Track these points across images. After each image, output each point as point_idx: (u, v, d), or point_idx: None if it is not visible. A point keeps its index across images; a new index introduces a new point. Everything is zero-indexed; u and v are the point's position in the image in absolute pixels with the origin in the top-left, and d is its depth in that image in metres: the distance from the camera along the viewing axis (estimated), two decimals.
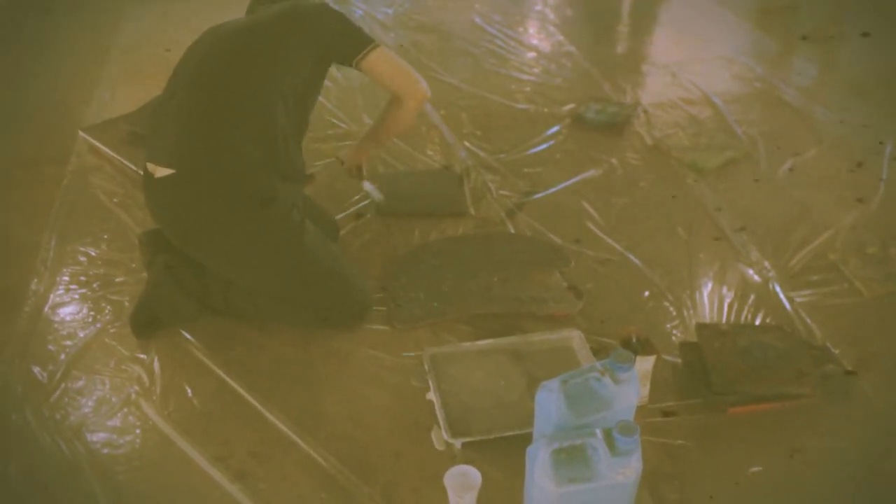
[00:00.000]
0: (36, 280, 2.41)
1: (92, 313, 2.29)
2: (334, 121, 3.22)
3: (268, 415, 1.95)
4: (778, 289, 2.34)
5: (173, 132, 2.10)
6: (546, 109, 3.37)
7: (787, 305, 2.28)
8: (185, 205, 2.09)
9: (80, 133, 3.12)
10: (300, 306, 2.18)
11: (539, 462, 1.44)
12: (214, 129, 2.08)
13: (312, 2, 2.27)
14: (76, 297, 2.35)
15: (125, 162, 2.92)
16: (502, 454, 1.79)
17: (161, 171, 2.07)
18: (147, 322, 2.19)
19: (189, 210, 2.10)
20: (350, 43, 2.21)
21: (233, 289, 2.19)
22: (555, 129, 3.22)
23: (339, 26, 2.21)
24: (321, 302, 2.18)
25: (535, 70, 3.75)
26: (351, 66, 2.21)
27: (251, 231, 2.09)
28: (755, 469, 1.81)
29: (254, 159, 2.08)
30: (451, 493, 1.67)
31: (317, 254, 2.16)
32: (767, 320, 2.23)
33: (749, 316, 2.26)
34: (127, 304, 2.30)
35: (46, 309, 2.31)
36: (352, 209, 2.70)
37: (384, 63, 2.24)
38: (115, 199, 2.77)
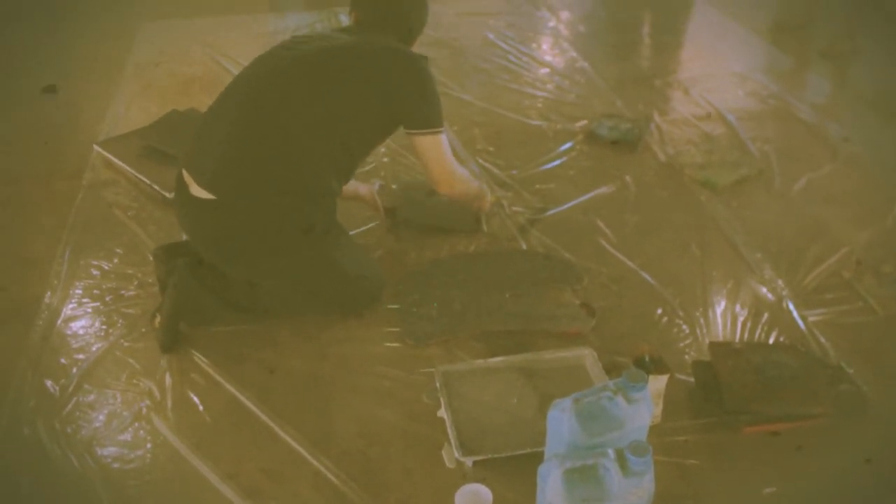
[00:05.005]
0: (49, 293, 2.42)
1: (104, 327, 2.29)
2: None
3: (279, 431, 1.95)
4: (792, 307, 2.33)
5: (219, 150, 2.11)
6: (559, 125, 3.38)
7: (801, 324, 2.27)
8: (224, 231, 2.14)
9: (95, 147, 3.14)
10: (324, 302, 2.30)
11: (551, 482, 1.44)
12: (262, 160, 2.09)
13: (407, 54, 2.23)
14: (89, 310, 2.36)
15: (139, 176, 2.93)
16: (514, 473, 1.78)
17: (199, 192, 2.09)
18: (175, 336, 2.20)
19: (229, 236, 2.14)
20: (417, 115, 2.23)
21: (256, 287, 2.24)
22: (568, 145, 3.22)
23: (417, 94, 2.21)
24: (345, 299, 2.31)
25: (548, 86, 3.76)
26: (404, 131, 2.26)
27: (291, 255, 2.17)
28: (769, 490, 1.79)
29: (296, 190, 2.12)
30: None
31: (345, 264, 2.25)
32: (781, 339, 2.22)
33: (762, 334, 2.24)
34: (139, 317, 2.31)
35: (59, 322, 2.31)
36: (360, 228, 2.70)
37: (433, 151, 2.27)
38: (128, 214, 2.78)
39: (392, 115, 2.23)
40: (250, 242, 2.14)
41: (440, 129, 2.26)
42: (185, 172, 2.15)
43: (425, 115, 2.24)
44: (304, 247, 2.17)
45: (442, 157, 2.30)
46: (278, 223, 2.12)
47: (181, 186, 2.16)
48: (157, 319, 2.21)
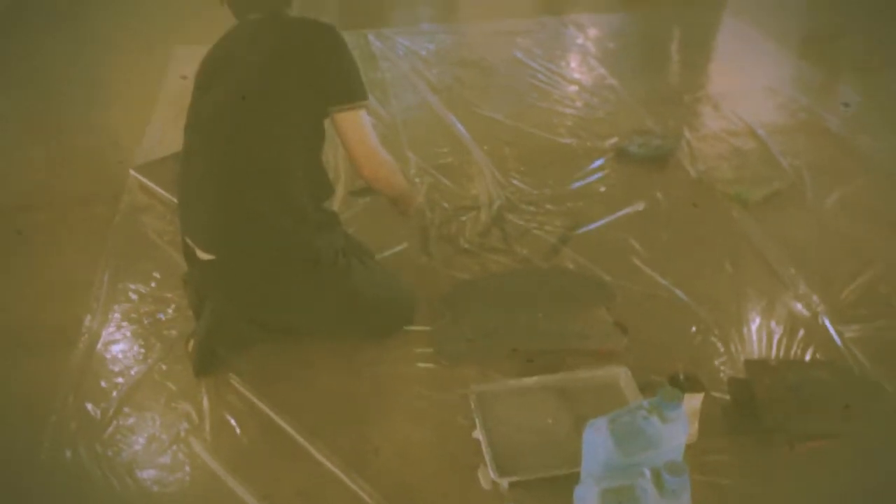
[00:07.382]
0: (89, 317, 2.46)
1: (142, 350, 2.32)
2: None
3: (315, 452, 1.97)
4: (828, 323, 2.31)
5: (204, 210, 2.12)
6: (589, 143, 3.38)
7: (838, 340, 2.25)
8: (239, 285, 2.16)
9: (132, 172, 3.19)
10: (355, 328, 2.31)
11: (588, 502, 1.44)
12: (246, 210, 2.06)
13: (323, 26, 2.10)
14: (127, 334, 2.39)
15: (175, 201, 2.97)
16: (550, 494, 1.78)
17: (203, 255, 2.13)
18: (208, 361, 2.22)
19: (245, 289, 2.16)
20: (341, 89, 2.11)
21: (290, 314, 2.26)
22: (598, 162, 3.22)
23: (342, 65, 2.11)
24: (374, 324, 2.31)
25: (578, 104, 3.76)
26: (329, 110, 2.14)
27: (305, 291, 2.17)
28: None
29: (289, 227, 2.09)
30: None
31: (368, 291, 2.24)
32: (817, 355, 2.20)
33: (798, 351, 2.22)
34: (177, 341, 2.33)
35: (99, 346, 2.35)
36: (393, 249, 2.71)
37: (357, 128, 2.15)
38: (165, 238, 2.82)
39: (323, 94, 2.09)
40: (266, 289, 2.15)
41: (364, 102, 2.13)
42: (186, 238, 2.18)
43: (349, 88, 2.11)
44: (319, 280, 2.15)
45: (366, 136, 2.17)
46: (285, 262, 2.11)
47: (189, 252, 2.20)
48: (191, 344, 2.24)
